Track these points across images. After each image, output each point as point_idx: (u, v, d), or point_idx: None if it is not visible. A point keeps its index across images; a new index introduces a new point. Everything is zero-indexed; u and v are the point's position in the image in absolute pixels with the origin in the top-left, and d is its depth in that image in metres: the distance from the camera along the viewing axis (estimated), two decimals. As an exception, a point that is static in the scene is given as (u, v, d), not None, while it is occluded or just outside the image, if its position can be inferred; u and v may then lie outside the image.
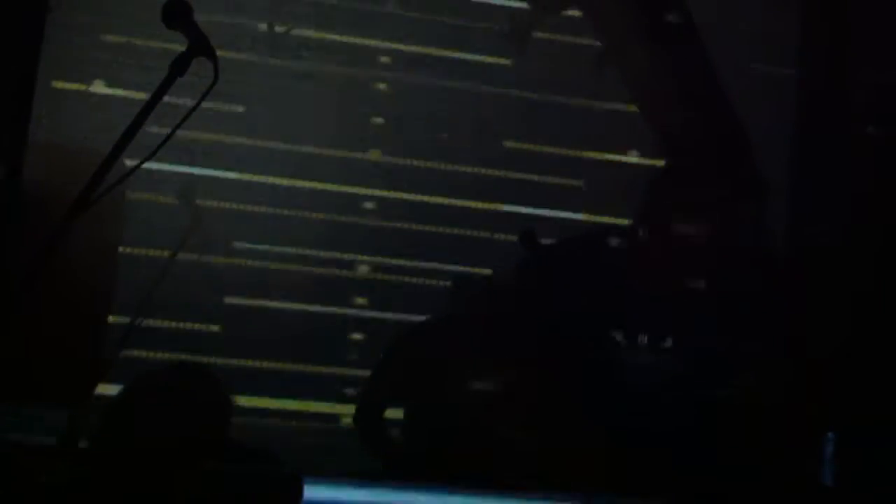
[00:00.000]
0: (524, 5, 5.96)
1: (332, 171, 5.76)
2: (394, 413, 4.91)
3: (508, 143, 5.85)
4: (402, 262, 5.70)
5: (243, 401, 5.12)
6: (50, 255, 2.18)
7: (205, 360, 5.36)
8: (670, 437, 3.21)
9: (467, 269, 5.26)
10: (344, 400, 5.13)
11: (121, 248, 4.95)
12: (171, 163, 5.06)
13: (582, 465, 3.09)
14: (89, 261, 4.22)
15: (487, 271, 5.09)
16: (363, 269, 5.73)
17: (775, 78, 5.55)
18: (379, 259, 5.73)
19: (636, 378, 3.18)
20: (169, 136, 2.25)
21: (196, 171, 5.44)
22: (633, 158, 5.65)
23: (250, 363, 5.49)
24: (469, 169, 5.82)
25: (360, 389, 4.97)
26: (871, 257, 4.45)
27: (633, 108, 5.67)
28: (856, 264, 4.48)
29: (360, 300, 5.64)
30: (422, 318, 5.26)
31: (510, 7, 5.97)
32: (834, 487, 3.13)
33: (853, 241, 4.58)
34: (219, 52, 2.35)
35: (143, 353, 5.01)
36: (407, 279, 5.66)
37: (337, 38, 5.84)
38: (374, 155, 5.87)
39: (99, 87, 5.39)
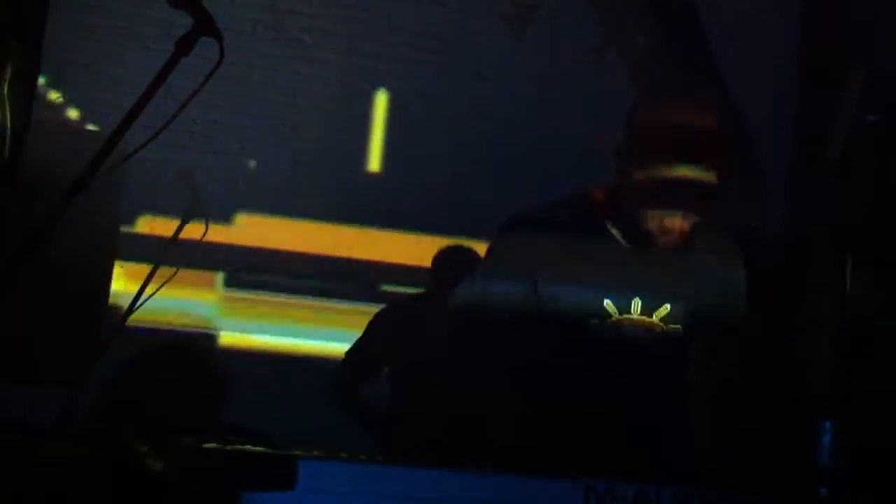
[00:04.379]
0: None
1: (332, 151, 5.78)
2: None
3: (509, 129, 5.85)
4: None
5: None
6: (48, 234, 2.18)
7: (201, 339, 5.40)
8: (663, 421, 3.19)
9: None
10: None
11: (121, 230, 4.97)
12: (172, 145, 5.07)
13: (574, 447, 3.07)
14: (88, 242, 4.22)
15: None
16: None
17: (774, 66, 5.56)
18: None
19: (628, 359, 3.14)
20: (173, 117, 2.24)
21: (198, 153, 5.47)
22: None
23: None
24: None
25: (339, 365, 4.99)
26: (870, 247, 4.45)
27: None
28: (854, 255, 4.48)
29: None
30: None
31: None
32: (831, 476, 3.13)
33: (852, 231, 4.59)
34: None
35: (140, 334, 5.04)
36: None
37: (337, 22, 5.85)
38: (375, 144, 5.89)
39: (102, 68, 5.40)
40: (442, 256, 5.06)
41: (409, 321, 4.86)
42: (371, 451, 4.62)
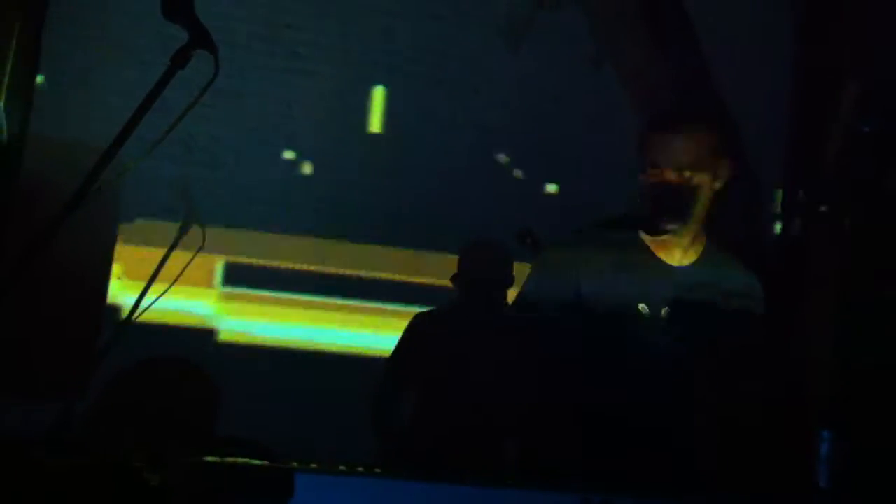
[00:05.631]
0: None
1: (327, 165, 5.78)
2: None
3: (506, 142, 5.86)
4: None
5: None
6: (45, 248, 2.18)
7: (197, 352, 5.38)
8: (664, 436, 3.20)
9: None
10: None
11: (117, 242, 4.96)
12: (168, 158, 5.08)
13: (581, 462, 3.09)
14: (85, 254, 4.22)
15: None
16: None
17: (770, 74, 5.56)
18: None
19: (636, 372, 3.19)
20: (169, 130, 2.24)
21: (194, 166, 5.46)
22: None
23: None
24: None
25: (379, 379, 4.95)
26: (866, 255, 4.46)
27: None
28: (851, 261, 4.49)
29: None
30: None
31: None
32: (828, 487, 3.13)
33: (846, 237, 4.59)
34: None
35: (136, 347, 5.02)
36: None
37: (332, 35, 5.86)
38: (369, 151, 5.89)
39: (97, 81, 5.40)
40: (469, 253, 4.95)
41: (441, 332, 4.81)
42: (392, 465, 4.63)
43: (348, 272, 5.76)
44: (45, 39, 2.90)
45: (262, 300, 5.66)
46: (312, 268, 5.71)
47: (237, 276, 5.63)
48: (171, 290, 4.40)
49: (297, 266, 5.71)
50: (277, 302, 5.69)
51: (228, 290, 5.69)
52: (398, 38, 5.90)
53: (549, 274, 3.33)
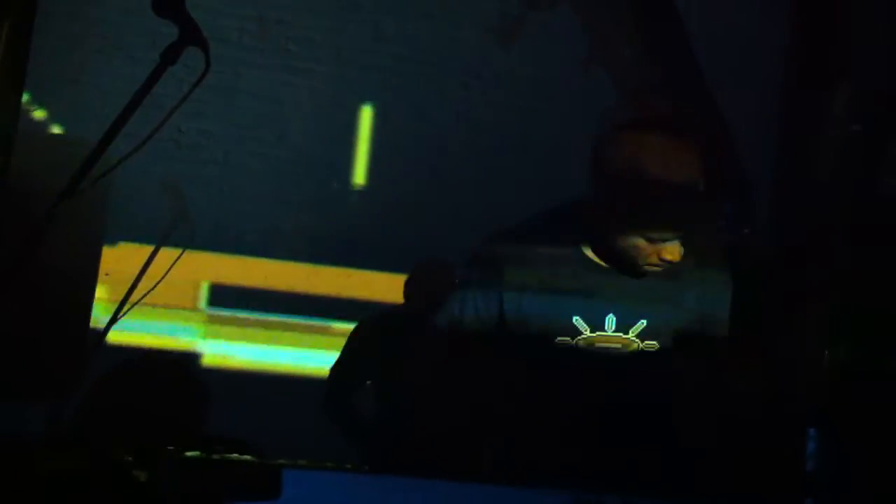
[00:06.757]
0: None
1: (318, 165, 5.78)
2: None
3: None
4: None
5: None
6: (33, 245, 2.18)
7: (185, 349, 5.39)
8: (648, 433, 3.16)
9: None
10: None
11: (106, 239, 4.96)
12: (158, 154, 5.07)
13: (561, 458, 3.05)
14: (73, 251, 4.21)
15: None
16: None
17: (761, 78, 5.56)
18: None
19: (600, 377, 3.08)
20: (159, 126, 2.24)
21: (183, 163, 5.46)
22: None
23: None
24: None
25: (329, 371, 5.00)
26: (856, 256, 4.47)
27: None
28: (838, 263, 4.49)
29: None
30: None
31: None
32: (815, 484, 3.14)
33: (835, 240, 4.60)
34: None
35: (124, 346, 5.02)
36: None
37: (324, 31, 5.85)
38: (361, 151, 5.89)
39: (88, 77, 5.40)
40: (416, 272, 5.06)
41: (388, 333, 4.85)
42: (360, 461, 4.64)
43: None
44: (36, 36, 2.89)
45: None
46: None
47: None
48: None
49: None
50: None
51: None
52: (389, 35, 5.90)
53: (474, 287, 3.08)
